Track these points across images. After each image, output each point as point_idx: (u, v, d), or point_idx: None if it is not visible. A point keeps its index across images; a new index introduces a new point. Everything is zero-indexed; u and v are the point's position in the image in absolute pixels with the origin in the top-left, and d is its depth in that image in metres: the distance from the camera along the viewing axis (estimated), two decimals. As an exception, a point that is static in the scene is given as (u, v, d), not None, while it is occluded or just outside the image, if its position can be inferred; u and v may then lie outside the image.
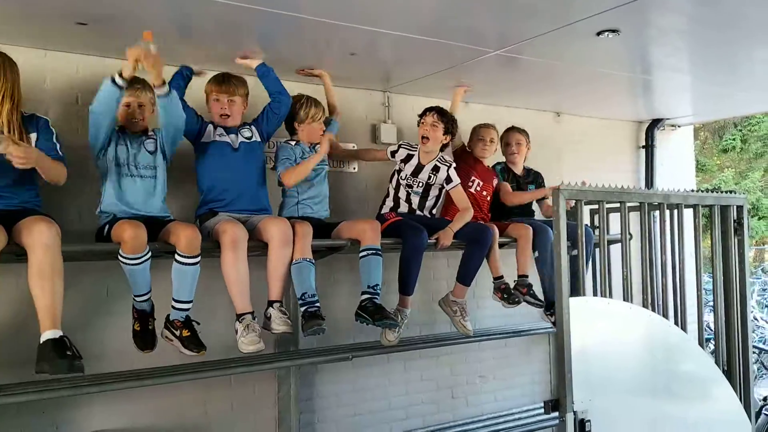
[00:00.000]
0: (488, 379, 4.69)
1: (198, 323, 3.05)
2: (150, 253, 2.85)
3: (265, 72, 3.40)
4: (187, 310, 3.00)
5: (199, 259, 2.92)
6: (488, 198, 4.35)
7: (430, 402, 4.39)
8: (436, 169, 3.95)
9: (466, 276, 3.95)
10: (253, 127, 3.46)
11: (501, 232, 4.09)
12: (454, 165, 3.99)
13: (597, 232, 3.52)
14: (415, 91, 4.29)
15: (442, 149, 4.00)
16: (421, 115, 3.92)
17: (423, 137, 3.89)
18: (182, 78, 3.29)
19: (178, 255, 2.89)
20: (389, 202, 3.95)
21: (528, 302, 4.05)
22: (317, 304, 3.25)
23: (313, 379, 3.93)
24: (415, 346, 4.08)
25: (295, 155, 3.52)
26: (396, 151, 3.96)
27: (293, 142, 3.59)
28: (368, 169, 4.22)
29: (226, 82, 3.35)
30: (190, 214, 3.38)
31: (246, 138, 3.41)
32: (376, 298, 3.47)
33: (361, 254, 3.45)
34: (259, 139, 3.47)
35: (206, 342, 3.03)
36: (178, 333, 2.99)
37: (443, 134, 3.91)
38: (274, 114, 3.46)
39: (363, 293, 3.48)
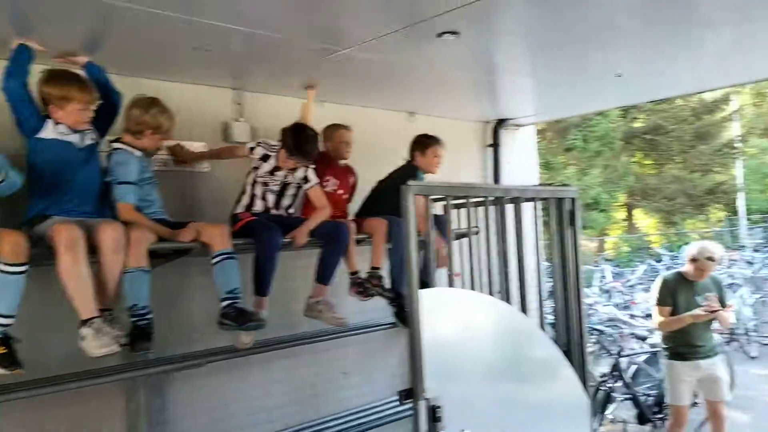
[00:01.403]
0: (351, 375, 4.74)
1: (19, 340, 2.80)
2: None
3: (93, 70, 3.23)
4: (8, 325, 2.74)
5: (25, 268, 2.69)
6: (345, 197, 4.40)
7: (292, 403, 4.36)
8: (293, 169, 3.93)
9: (324, 275, 3.97)
10: (92, 128, 3.26)
11: (359, 229, 4.16)
12: (313, 166, 3.99)
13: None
14: (269, 89, 4.24)
15: None
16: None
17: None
18: (24, 62, 2.97)
19: (1, 263, 2.64)
20: (245, 200, 3.87)
21: (377, 294, 4.15)
22: (148, 317, 3.12)
23: (165, 389, 3.76)
24: (274, 347, 4.02)
25: (136, 173, 3.31)
26: (254, 149, 3.89)
27: (137, 152, 3.35)
28: (222, 168, 4.09)
29: (88, 88, 3.14)
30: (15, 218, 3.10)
31: (92, 140, 3.23)
32: (238, 302, 3.38)
33: (214, 260, 3.35)
34: (95, 141, 3.27)
35: (44, 357, 2.81)
36: None
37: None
38: (107, 115, 3.29)
39: (223, 300, 3.37)
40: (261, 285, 3.64)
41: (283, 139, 3.81)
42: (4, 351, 2.73)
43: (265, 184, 3.87)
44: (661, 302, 4.77)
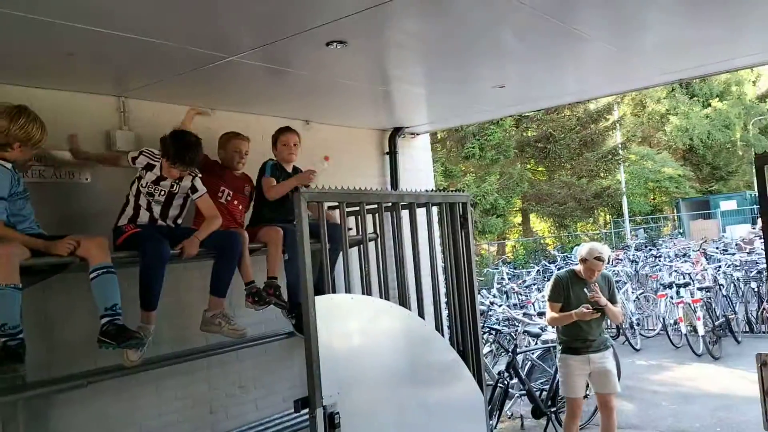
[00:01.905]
0: (249, 389, 4.64)
1: None
2: None
3: None
4: None
5: None
6: (240, 207, 4.32)
7: (187, 420, 4.20)
8: (179, 178, 3.81)
9: (219, 287, 3.88)
10: None
11: (252, 238, 4.09)
12: (199, 175, 3.89)
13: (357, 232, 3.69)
14: (154, 97, 4.09)
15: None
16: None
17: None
18: None
19: None
20: (129, 211, 3.69)
21: (273, 303, 4.09)
22: (19, 337, 2.93)
23: (46, 413, 3.51)
24: (164, 363, 3.86)
25: (10, 187, 3.08)
26: (136, 158, 3.73)
27: (8, 165, 3.11)
28: (104, 179, 3.90)
29: None
30: None
31: None
32: (118, 320, 3.23)
33: (92, 275, 3.18)
34: None
35: None
36: None
37: None
38: None
39: (102, 317, 3.22)
40: (147, 299, 3.50)
41: (163, 147, 3.69)
42: None
43: (150, 194, 3.72)
44: (552, 299, 4.99)
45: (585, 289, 4.93)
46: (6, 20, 2.64)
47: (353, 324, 3.49)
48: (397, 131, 6.14)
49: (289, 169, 4.56)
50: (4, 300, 2.86)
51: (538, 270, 13.17)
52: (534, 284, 11.73)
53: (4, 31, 2.79)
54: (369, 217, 3.91)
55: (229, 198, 4.22)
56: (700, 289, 9.47)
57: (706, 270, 11.29)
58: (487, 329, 7.34)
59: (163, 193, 3.74)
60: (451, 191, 4.30)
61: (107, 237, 3.40)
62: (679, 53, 4.28)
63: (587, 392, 5.29)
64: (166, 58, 3.33)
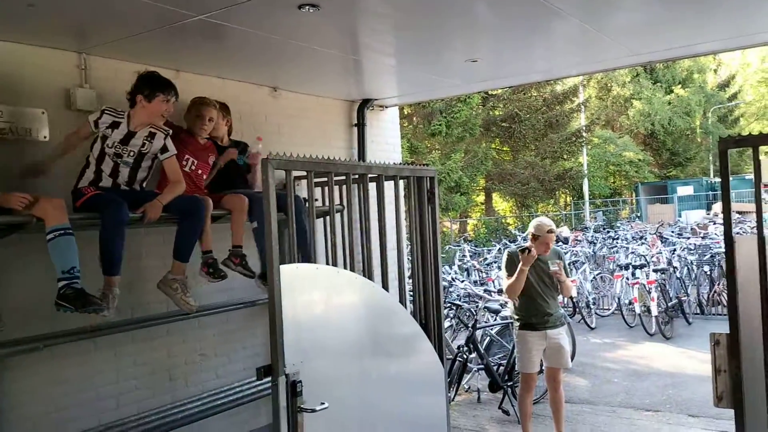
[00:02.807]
0: (210, 357, 4.60)
1: None
2: None
3: None
4: None
5: None
6: (203, 176, 4.23)
7: (145, 387, 4.15)
8: (151, 136, 3.69)
9: (182, 252, 3.81)
10: None
11: (216, 204, 4.02)
12: (171, 132, 3.79)
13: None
14: (117, 54, 3.95)
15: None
16: (161, 91, 3.64)
17: (163, 116, 3.72)
18: None
19: None
20: (89, 175, 3.58)
21: (240, 272, 4.05)
22: None
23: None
24: (123, 328, 3.80)
25: None
26: (99, 118, 3.58)
27: None
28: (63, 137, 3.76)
29: None
30: None
31: None
32: (76, 283, 3.17)
33: (48, 236, 3.10)
34: None
35: None
36: None
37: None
38: None
39: (59, 280, 3.15)
40: (109, 264, 3.41)
41: (137, 85, 3.60)
42: None
43: (118, 155, 3.60)
44: (509, 273, 5.07)
45: (547, 263, 5.02)
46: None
47: (318, 294, 3.48)
48: (365, 103, 6.09)
49: (223, 142, 4.48)
50: None
51: (499, 249, 13.32)
52: (495, 262, 11.87)
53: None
54: (335, 189, 3.88)
55: (193, 167, 4.12)
56: (655, 270, 9.73)
57: (661, 253, 11.59)
58: (449, 304, 7.42)
59: (132, 153, 3.63)
60: (418, 165, 4.28)
61: (64, 199, 3.28)
62: (649, 34, 4.33)
63: (541, 368, 5.42)
64: (132, 13, 3.21)
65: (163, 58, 4.12)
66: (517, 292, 5.01)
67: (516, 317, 5.17)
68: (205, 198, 3.95)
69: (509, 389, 6.17)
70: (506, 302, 6.81)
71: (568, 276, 5.22)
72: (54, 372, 3.66)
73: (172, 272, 3.83)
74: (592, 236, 16.48)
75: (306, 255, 4.04)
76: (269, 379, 3.11)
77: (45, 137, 3.66)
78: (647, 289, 9.27)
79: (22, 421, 3.52)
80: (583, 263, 11.93)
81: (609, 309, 10.62)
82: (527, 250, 4.92)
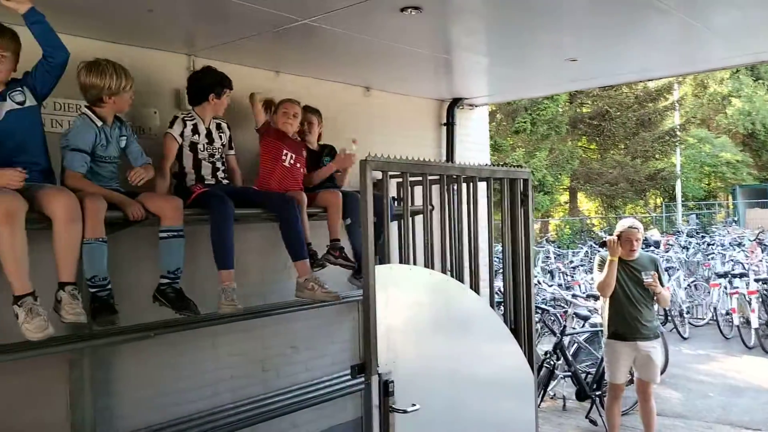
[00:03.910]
0: (300, 350, 4.72)
1: None
2: None
3: (36, 20, 2.79)
4: None
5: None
6: (301, 170, 4.34)
7: (240, 376, 4.31)
8: (219, 127, 3.90)
9: (295, 252, 3.88)
10: (24, 88, 2.97)
11: (311, 202, 4.12)
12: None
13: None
14: (223, 57, 4.10)
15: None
16: (226, 88, 3.82)
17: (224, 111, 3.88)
18: None
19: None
20: (190, 178, 3.77)
21: (341, 264, 4.14)
22: (108, 287, 3.05)
23: (111, 360, 3.65)
24: (223, 320, 3.94)
25: (96, 142, 3.18)
26: (184, 129, 3.72)
27: (99, 122, 3.21)
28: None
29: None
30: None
31: (18, 103, 2.94)
32: (176, 284, 3.36)
33: (162, 235, 3.28)
34: (34, 103, 2.99)
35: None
36: None
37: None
38: (47, 72, 2.94)
39: (162, 277, 3.34)
40: (223, 258, 3.54)
41: (209, 83, 3.78)
42: None
43: (212, 155, 3.81)
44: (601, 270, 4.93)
45: (640, 271, 4.84)
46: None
47: (410, 295, 3.50)
48: (456, 102, 6.06)
49: (313, 146, 4.56)
50: (93, 253, 2.97)
51: (586, 251, 12.94)
52: (581, 265, 11.55)
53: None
54: (419, 190, 3.88)
55: (292, 161, 4.23)
56: (756, 280, 9.18)
57: (761, 261, 10.92)
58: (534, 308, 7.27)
59: (219, 150, 3.84)
60: (511, 167, 4.22)
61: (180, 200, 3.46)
62: (758, 33, 4.08)
63: (630, 378, 5.24)
64: (240, 18, 3.34)
65: (264, 59, 4.26)
66: (609, 288, 4.83)
67: (606, 326, 5.01)
68: (298, 193, 4.05)
69: (597, 399, 5.99)
70: (595, 309, 6.63)
71: (663, 285, 5.00)
72: (159, 359, 3.86)
73: (299, 274, 3.90)
74: (685, 241, 15.74)
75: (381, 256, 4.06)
76: (362, 376, 3.17)
77: (156, 135, 3.86)
78: (747, 299, 8.76)
79: (132, 404, 3.74)
80: (677, 269, 11.41)
81: (704, 318, 10.11)
82: (608, 242, 4.81)
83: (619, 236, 4.88)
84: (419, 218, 3.68)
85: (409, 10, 3.27)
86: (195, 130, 3.76)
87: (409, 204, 3.61)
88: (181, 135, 3.72)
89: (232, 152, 4.02)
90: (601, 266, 4.95)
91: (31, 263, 2.76)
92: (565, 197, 24.93)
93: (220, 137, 3.88)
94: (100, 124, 3.23)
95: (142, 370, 3.79)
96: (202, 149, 3.77)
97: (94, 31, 3.51)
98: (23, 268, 2.71)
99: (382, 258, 3.43)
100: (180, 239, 3.31)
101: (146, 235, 3.51)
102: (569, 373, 6.22)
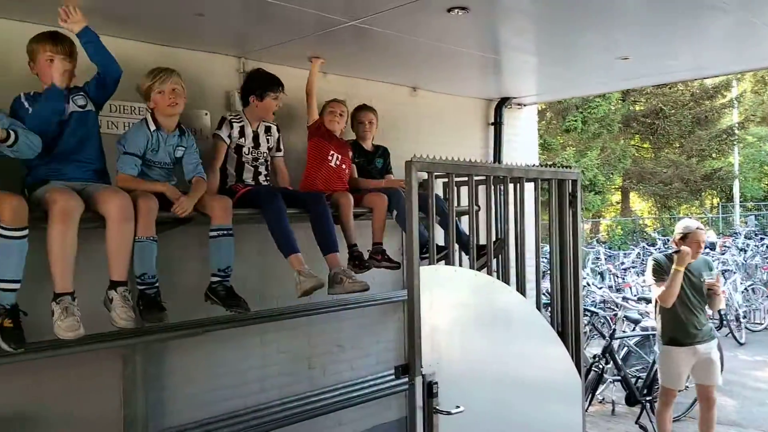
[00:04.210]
0: (345, 349, 4.76)
1: (25, 314, 2.77)
2: None
3: (90, 39, 2.96)
4: (14, 290, 2.71)
5: (26, 232, 2.67)
6: (347, 170, 4.37)
7: (287, 374, 4.37)
8: (268, 130, 3.95)
9: (326, 245, 3.87)
10: (85, 94, 3.13)
11: (357, 203, 4.14)
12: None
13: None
14: (272, 59, 4.17)
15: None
16: (271, 89, 3.84)
17: (274, 113, 3.90)
18: None
19: (2, 228, 2.62)
20: (230, 180, 3.84)
21: (385, 267, 4.15)
22: (156, 285, 3.14)
23: (162, 355, 3.76)
24: (271, 318, 4.02)
25: (147, 146, 3.29)
26: (231, 131, 3.78)
27: (153, 126, 3.32)
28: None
29: (59, 39, 3.01)
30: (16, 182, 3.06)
31: (80, 106, 3.10)
32: (227, 281, 3.42)
33: (212, 234, 3.36)
34: (92, 108, 3.16)
35: (39, 319, 2.80)
36: None
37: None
38: (101, 87, 3.12)
39: (213, 275, 3.41)
40: (285, 245, 3.60)
41: (249, 84, 3.84)
42: (10, 325, 2.68)
43: (255, 158, 3.87)
44: (658, 280, 4.79)
45: (697, 274, 4.69)
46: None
47: (455, 296, 3.48)
48: (503, 101, 5.99)
49: (367, 146, 4.57)
50: (144, 251, 3.06)
51: (638, 253, 12.61)
52: (633, 267, 11.27)
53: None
54: (465, 190, 3.86)
55: (338, 161, 4.26)
56: (818, 284, 8.79)
57: (826, 265, 10.45)
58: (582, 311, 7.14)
59: (265, 154, 3.90)
60: (560, 167, 4.15)
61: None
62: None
63: (687, 384, 5.09)
64: (289, 20, 3.38)
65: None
66: (673, 297, 4.68)
67: (661, 331, 4.87)
68: (344, 194, 4.08)
69: (648, 404, 5.85)
70: (647, 312, 6.46)
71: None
72: (208, 355, 3.96)
73: (330, 267, 3.88)
74: (743, 243, 15.15)
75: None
76: (406, 377, 3.17)
77: (207, 137, 3.95)
78: (810, 305, 8.41)
79: (182, 399, 3.84)
80: (734, 272, 11.02)
81: (761, 324, 9.76)
82: (678, 251, 4.64)
83: (685, 236, 4.73)
84: (465, 219, 3.66)
85: (456, 10, 3.25)
86: (242, 133, 3.82)
87: (455, 204, 3.60)
88: (229, 137, 3.80)
89: (280, 154, 4.07)
90: (657, 273, 4.79)
91: (83, 261, 2.87)
92: (616, 197, 24.36)
93: (267, 140, 3.94)
94: (153, 128, 3.33)
95: (191, 366, 3.89)
96: (246, 153, 3.84)
97: (143, 34, 3.60)
98: (69, 267, 2.80)
99: (428, 259, 3.43)
100: (229, 238, 3.38)
101: (196, 234, 3.59)
102: (619, 378, 6.10)
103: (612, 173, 20.47)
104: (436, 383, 3.16)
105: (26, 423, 3.26)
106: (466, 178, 3.60)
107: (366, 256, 4.12)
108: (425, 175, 3.38)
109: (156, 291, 3.14)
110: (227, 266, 3.40)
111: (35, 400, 3.29)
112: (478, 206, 4.26)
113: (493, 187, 3.83)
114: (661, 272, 4.77)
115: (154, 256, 3.11)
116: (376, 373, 4.81)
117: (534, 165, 4.31)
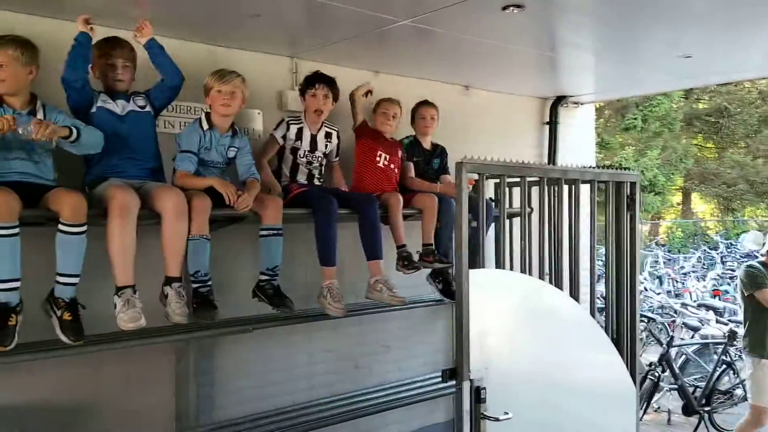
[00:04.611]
0: (392, 349, 4.74)
1: (84, 307, 2.87)
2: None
3: (155, 50, 3.13)
4: (73, 284, 2.81)
5: (85, 228, 2.76)
6: (396, 171, 4.34)
7: (334, 372, 4.39)
8: (328, 136, 3.96)
9: (371, 251, 3.90)
10: (146, 97, 3.28)
11: (407, 204, 4.11)
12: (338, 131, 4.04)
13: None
14: (323, 58, 4.18)
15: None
16: (308, 86, 3.83)
17: (316, 110, 3.84)
18: (84, 56, 2.99)
19: (62, 224, 2.71)
20: (284, 180, 3.86)
21: (437, 267, 4.13)
22: (209, 283, 3.19)
23: (213, 351, 3.83)
24: (318, 317, 4.02)
25: (200, 144, 3.35)
26: (287, 132, 3.82)
27: (206, 126, 3.39)
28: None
29: (120, 44, 3.15)
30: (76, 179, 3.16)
31: (139, 107, 3.23)
32: (275, 280, 3.47)
33: (262, 233, 3.40)
34: (151, 111, 3.28)
35: (97, 313, 2.89)
36: (59, 313, 2.79)
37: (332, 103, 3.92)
38: (163, 92, 3.26)
39: (262, 273, 3.47)
40: (326, 255, 3.65)
41: (302, 87, 3.86)
42: (69, 318, 2.78)
43: (310, 163, 3.89)
44: (762, 285, 4.62)
45: None
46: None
47: (506, 300, 3.42)
48: (559, 100, 5.85)
49: (426, 145, 4.51)
50: (197, 249, 3.12)
51: (699, 257, 12.15)
52: (693, 272, 10.87)
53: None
54: (516, 191, 3.78)
55: (386, 161, 4.24)
56: None
57: None
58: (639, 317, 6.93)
59: (320, 158, 3.91)
60: (618, 169, 4.01)
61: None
62: None
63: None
64: (342, 20, 3.39)
65: (363, 60, 4.30)
66: None
67: (751, 344, 4.65)
68: (393, 194, 4.06)
69: (706, 415, 5.63)
70: (707, 319, 6.23)
71: None
72: (257, 352, 4.00)
73: (372, 274, 3.91)
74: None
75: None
76: (453, 381, 3.13)
77: (259, 136, 3.99)
78: None
79: (231, 394, 3.90)
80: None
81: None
82: None
83: None
84: (516, 221, 3.58)
85: (511, 8, 3.19)
86: (299, 135, 3.84)
87: (506, 206, 3.53)
88: (284, 137, 3.82)
89: (337, 159, 4.10)
90: (755, 278, 4.65)
91: (140, 257, 2.94)
92: (677, 198, 23.55)
93: (326, 146, 3.95)
94: (206, 128, 3.38)
95: (241, 362, 3.95)
96: (302, 155, 3.86)
97: (197, 35, 3.67)
98: (129, 261, 2.89)
99: (478, 262, 3.38)
100: (279, 238, 3.41)
101: (249, 232, 3.63)
102: (675, 386, 5.89)
103: (673, 173, 19.80)
104: (484, 388, 3.11)
105: (82, 413, 3.36)
106: (518, 179, 3.54)
107: (416, 257, 4.08)
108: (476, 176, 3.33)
109: (209, 289, 3.19)
110: (275, 266, 3.45)
111: (91, 391, 3.40)
112: (531, 208, 4.19)
113: (546, 189, 3.74)
114: (763, 278, 4.58)
115: (207, 255, 3.16)
116: (423, 374, 4.76)
117: (591, 166, 4.19)
